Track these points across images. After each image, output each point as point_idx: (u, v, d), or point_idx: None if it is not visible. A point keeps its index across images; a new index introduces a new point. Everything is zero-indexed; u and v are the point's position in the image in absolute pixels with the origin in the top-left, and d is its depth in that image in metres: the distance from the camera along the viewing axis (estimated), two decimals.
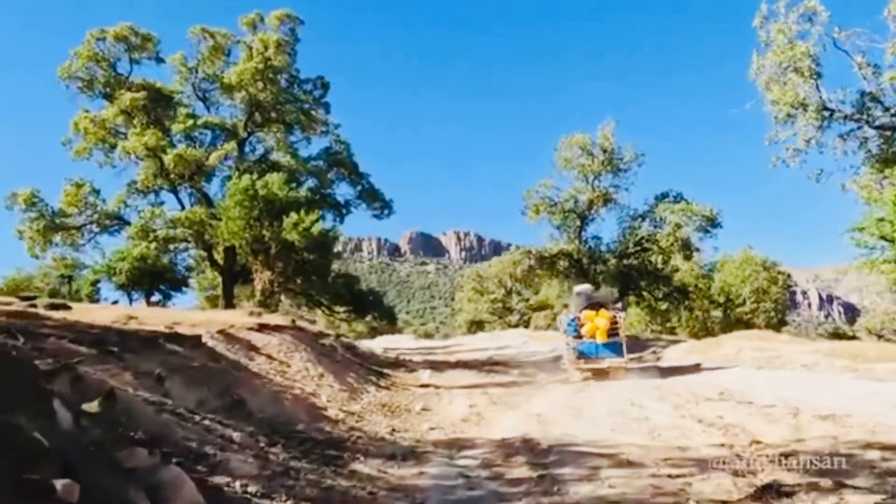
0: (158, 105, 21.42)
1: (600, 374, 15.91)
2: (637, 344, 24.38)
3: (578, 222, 27.63)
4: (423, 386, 16.83)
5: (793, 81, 14.58)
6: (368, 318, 29.35)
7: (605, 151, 26.17)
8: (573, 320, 16.74)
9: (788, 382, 12.88)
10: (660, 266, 26.20)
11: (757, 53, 16.23)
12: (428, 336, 77.90)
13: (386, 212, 24.95)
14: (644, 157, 26.16)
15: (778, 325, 35.45)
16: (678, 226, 24.77)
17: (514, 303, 55.91)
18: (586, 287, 19.21)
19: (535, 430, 8.47)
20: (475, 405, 12.49)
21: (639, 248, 26.32)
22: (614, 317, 16.26)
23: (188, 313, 14.71)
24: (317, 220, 16.35)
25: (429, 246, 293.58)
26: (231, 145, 20.20)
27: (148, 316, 13.31)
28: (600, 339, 15.96)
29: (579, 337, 16.31)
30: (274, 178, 17.29)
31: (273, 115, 23.30)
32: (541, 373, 20.09)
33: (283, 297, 41.70)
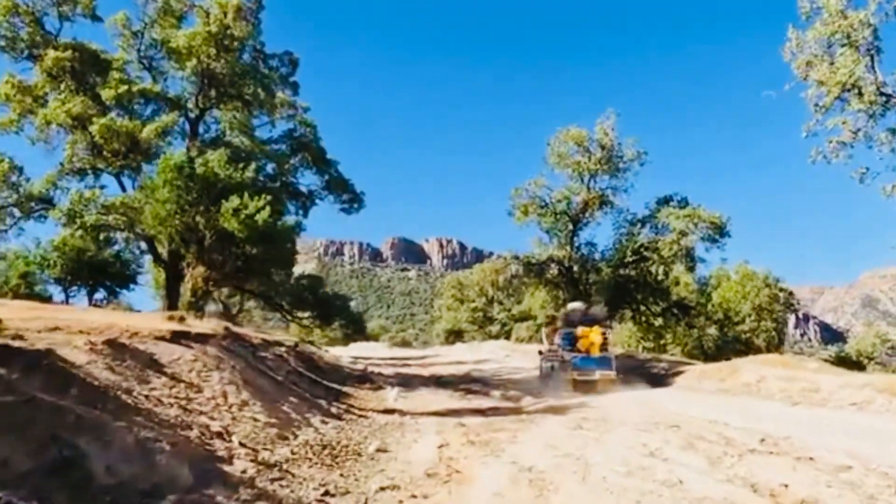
0: (92, 70, 18.30)
1: (591, 386, 16.92)
2: (633, 364, 21.70)
3: (571, 226, 24.93)
4: (386, 412, 13.89)
5: (845, 58, 12.02)
6: (334, 325, 26.46)
7: (603, 148, 23.54)
8: (568, 334, 18.24)
9: (845, 428, 10.20)
10: (660, 277, 23.58)
11: (795, 28, 13.67)
12: (405, 344, 74.76)
13: (356, 205, 22.02)
14: (646, 155, 23.60)
15: (778, 345, 33.14)
16: (683, 233, 22.17)
17: (495, 312, 53.20)
18: (580, 304, 20.45)
19: (527, 500, 5.79)
20: (447, 445, 9.59)
21: (637, 256, 23.68)
22: (605, 333, 17.93)
23: (90, 314, 11.79)
24: (263, 207, 13.40)
25: (411, 252, 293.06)
26: (170, 117, 17.14)
27: (34, 317, 10.26)
28: (594, 353, 17.53)
29: (574, 351, 17.77)
30: (214, 155, 14.34)
31: (230, 90, 20.27)
32: (527, 395, 17.28)
33: (246, 301, 38.54)
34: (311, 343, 33.79)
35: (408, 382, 22.20)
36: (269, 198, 13.60)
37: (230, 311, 35.65)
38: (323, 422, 10.98)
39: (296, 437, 9.10)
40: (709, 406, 12.84)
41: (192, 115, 21.38)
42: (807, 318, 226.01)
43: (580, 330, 17.92)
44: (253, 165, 14.62)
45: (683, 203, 22.78)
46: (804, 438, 9.25)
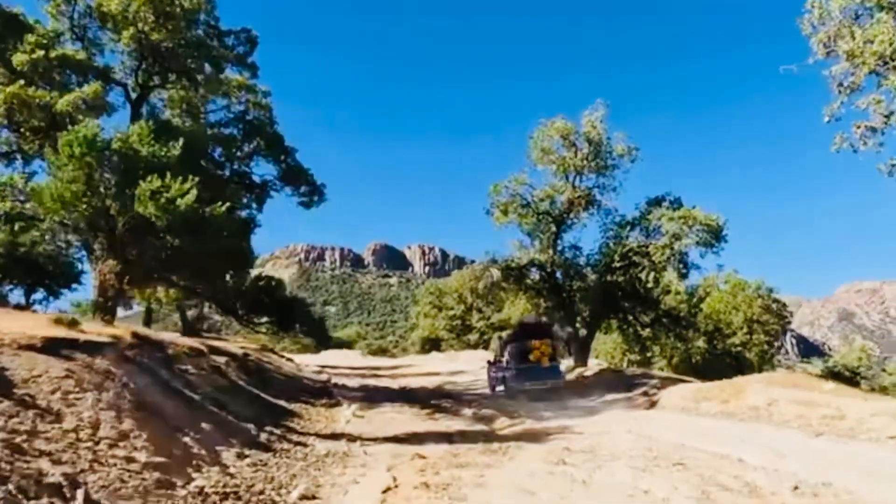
0: (8, 35, 15.85)
1: (542, 395, 18.20)
2: (621, 380, 19.61)
3: (554, 228, 22.87)
4: (332, 437, 11.61)
5: (882, 24, 10.10)
6: (295, 332, 24.14)
7: (590, 143, 21.52)
8: (519, 346, 19.32)
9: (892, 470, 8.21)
10: (649, 285, 21.58)
11: None
12: (382, 352, 72.13)
13: (316, 198, 19.66)
14: (638, 152, 21.64)
15: (770, 360, 31.41)
16: (676, 236, 20.21)
17: (474, 320, 51.02)
18: (531, 317, 22.52)
19: None
20: (394, 489, 7.47)
21: (626, 262, 21.66)
22: (554, 345, 19.46)
23: None
24: (188, 191, 11.10)
25: (393, 259, 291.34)
26: (93, 87, 14.71)
27: None
28: (544, 364, 18.96)
29: (525, 361, 19.02)
30: (135, 128, 12.02)
31: (174, 65, 17.93)
32: (502, 416, 15.14)
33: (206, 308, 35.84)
34: (272, 351, 31.32)
35: (372, 397, 19.96)
36: (196, 179, 11.31)
37: (186, 317, 33.03)
38: (240, 456, 8.64)
39: (188, 483, 6.74)
40: (715, 436, 10.76)
41: (133, 94, 19.02)
42: (784, 330, 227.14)
43: (531, 342, 19.18)
44: (181, 141, 12.29)
45: (677, 204, 20.83)
46: (849, 486, 7.21)
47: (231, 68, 20.75)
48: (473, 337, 50.60)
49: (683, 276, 21.30)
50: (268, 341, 33.86)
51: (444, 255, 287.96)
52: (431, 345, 52.42)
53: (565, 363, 21.09)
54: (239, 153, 19.22)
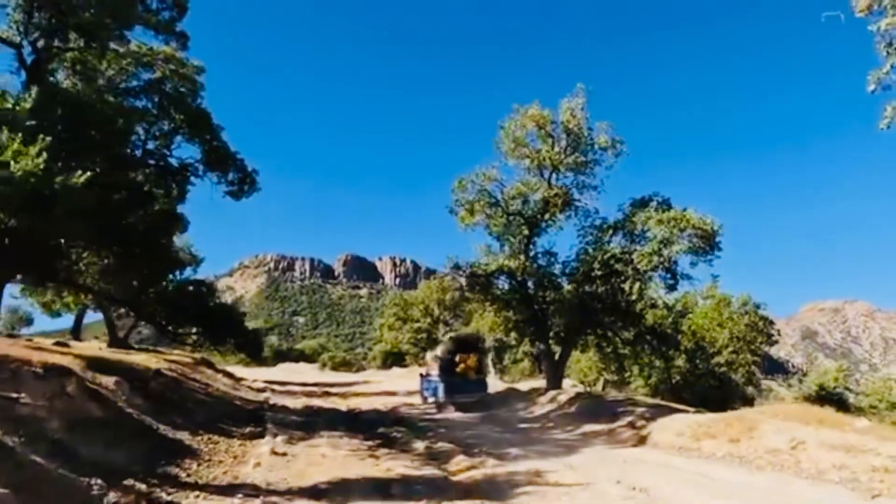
0: None
1: (469, 407, 18.90)
2: (602, 407, 16.82)
3: (526, 230, 20.11)
4: (225, 490, 8.54)
5: None
6: (227, 346, 20.90)
7: (569, 133, 18.88)
8: (448, 360, 20.03)
9: None
10: (633, 297, 18.91)
11: None
12: (346, 364, 68.47)
13: (247, 187, 16.58)
14: (623, 145, 19.04)
15: (758, 382, 29.11)
16: (665, 242, 17.62)
17: (440, 334, 47.91)
18: (459, 333, 24.06)
19: None
20: None
21: (606, 270, 18.98)
22: (481, 358, 20.51)
23: None
24: (39, 153, 8.02)
25: (363, 270, 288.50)
26: None
27: None
28: (471, 377, 19.84)
29: (453, 375, 19.76)
30: None
31: (72, 21, 14.79)
32: (458, 453, 12.15)
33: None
34: (210, 365, 27.84)
35: (311, 423, 16.82)
36: (47, 139, 8.23)
37: (115, 327, 29.32)
38: None
39: None
40: (732, 493, 8.01)
41: (29, 58, 15.78)
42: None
43: (458, 356, 20.03)
44: (34, 92, 9.20)
45: (666, 205, 18.26)
46: None
47: (156, 38, 17.70)
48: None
49: (671, 288, 18.70)
50: (209, 354, 30.38)
51: (416, 267, 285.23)
52: (394, 359, 49.20)
53: (493, 377, 23.61)
54: (157, 131, 16.05)
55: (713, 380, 28.88)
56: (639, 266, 18.30)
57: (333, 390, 29.33)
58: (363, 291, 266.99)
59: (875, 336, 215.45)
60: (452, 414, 18.67)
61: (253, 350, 20.09)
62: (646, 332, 20.61)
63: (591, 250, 19.64)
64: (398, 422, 18.17)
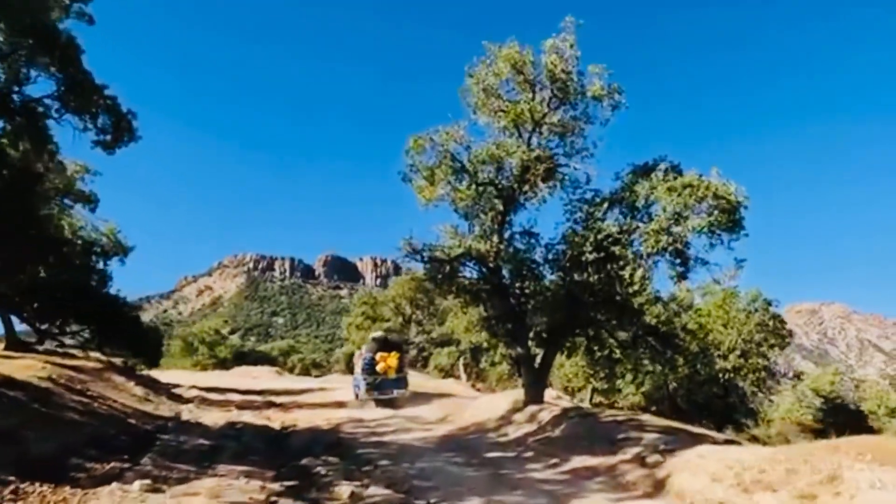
0: None
1: (389, 404, 20.25)
2: (596, 430, 12.75)
3: (500, 204, 16.06)
4: None
5: None
6: (115, 349, 16.75)
7: (554, 81, 14.80)
8: (369, 359, 21.19)
9: None
10: (634, 287, 14.94)
11: None
12: (316, 367, 64.01)
13: (124, 136, 12.33)
14: (621, 95, 14.99)
15: (768, 390, 25.42)
16: (677, 217, 13.68)
17: (412, 334, 43.92)
18: (381, 333, 25.08)
19: None
20: None
21: (600, 254, 14.99)
22: (401, 357, 21.88)
23: None
24: None
25: (344, 270, 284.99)
26: None
27: None
28: (391, 375, 20.90)
29: (374, 373, 20.89)
30: None
31: None
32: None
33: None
34: (125, 369, 23.40)
35: (214, 451, 12.66)
36: None
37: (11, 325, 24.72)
38: None
39: None
40: None
41: None
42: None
43: (378, 355, 20.74)
44: None
45: (676, 171, 14.29)
46: None
47: None
48: (411, 354, 43.44)
49: (682, 277, 14.71)
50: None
51: (397, 268, 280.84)
52: None
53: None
54: None
55: (717, 387, 25.12)
56: (642, 248, 14.33)
57: (279, 400, 25.07)
58: (344, 292, 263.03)
59: (851, 338, 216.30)
60: (376, 413, 18.87)
61: (148, 353, 15.99)
62: (647, 332, 16.66)
63: (580, 230, 15.60)
64: (334, 446, 14.15)
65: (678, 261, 14.67)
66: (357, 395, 21.91)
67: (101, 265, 25.62)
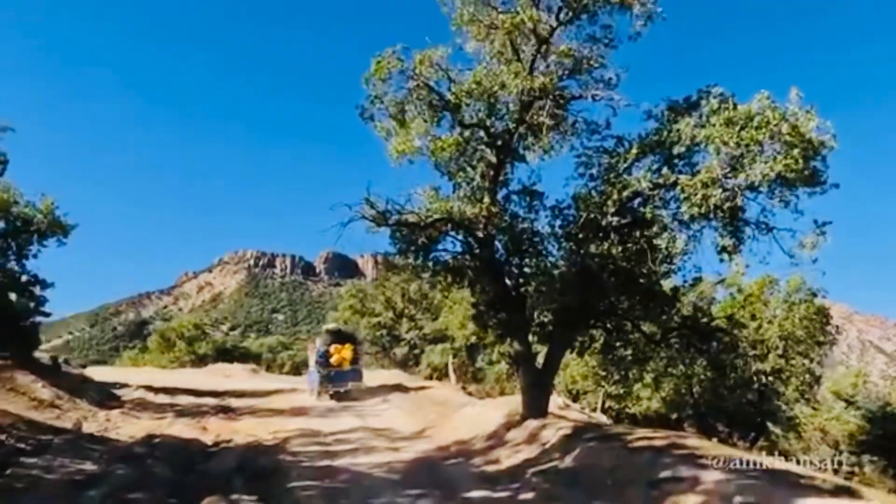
0: None
1: (344, 396, 20.50)
2: (624, 460, 8.72)
3: (493, 155, 12.23)
4: None
5: None
6: None
7: None
8: (324, 353, 21.17)
9: None
10: (674, 262, 11.09)
11: None
12: (306, 366, 60.02)
13: None
14: (655, 4, 11.09)
15: (814, 398, 21.48)
16: (735, 162, 9.80)
17: (403, 330, 40.07)
18: (334, 325, 26.18)
19: None
20: None
21: (626, 217, 11.16)
22: (356, 349, 21.79)
23: None
24: None
25: (345, 267, 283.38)
26: None
27: None
28: (345, 367, 20.98)
29: (328, 366, 20.95)
30: None
31: None
32: None
33: None
34: (40, 370, 19.61)
35: (93, 482, 9.03)
36: None
37: None
38: None
39: None
40: None
41: None
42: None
43: (332, 347, 21.23)
44: None
45: (725, 102, 10.32)
46: None
47: None
48: (401, 350, 39.65)
49: (734, 249, 10.79)
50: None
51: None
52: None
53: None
54: None
55: (751, 393, 21.17)
56: (683, 209, 10.41)
57: (236, 404, 21.29)
58: (344, 289, 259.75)
59: (852, 338, 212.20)
60: (342, 423, 16.77)
61: (22, 346, 12.49)
62: (683, 325, 12.73)
63: (598, 187, 11.69)
64: (263, 475, 10.41)
65: (729, 226, 10.77)
66: (311, 390, 21.71)
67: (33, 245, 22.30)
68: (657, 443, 8.99)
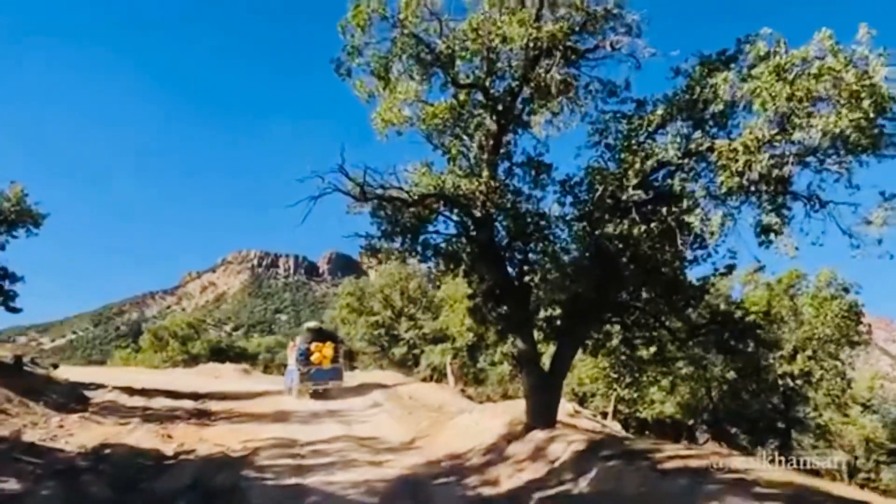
0: None
1: (324, 394, 20.37)
2: (651, 485, 7.14)
3: (494, 122, 10.48)
4: None
5: None
6: None
7: None
8: (303, 350, 20.79)
9: None
10: (702, 242, 9.35)
11: None
12: (285, 365, 58.38)
13: None
14: None
15: (844, 405, 19.57)
16: (785, 120, 8.02)
17: (402, 329, 38.32)
18: (315, 323, 25.29)
19: None
20: None
21: (650, 192, 9.41)
22: (336, 347, 21.51)
23: None
24: None
25: (348, 268, 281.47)
26: None
27: None
28: (325, 365, 20.63)
29: (309, 364, 20.57)
30: None
31: None
32: None
33: None
34: (20, 365, 18.00)
35: None
36: None
37: None
38: None
39: None
40: None
41: None
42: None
43: (313, 345, 20.74)
44: None
45: (783, 45, 8.56)
46: None
47: None
48: (400, 350, 37.90)
49: (780, 229, 9.01)
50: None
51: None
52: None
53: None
54: None
55: (777, 397, 19.31)
56: (720, 180, 8.62)
57: (214, 407, 19.57)
58: (341, 287, 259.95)
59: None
60: (323, 431, 15.12)
61: None
62: (713, 321, 10.93)
63: (617, 156, 9.91)
64: (218, 495, 8.68)
65: (776, 202, 8.96)
66: (289, 388, 21.43)
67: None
68: (693, 463, 7.20)
